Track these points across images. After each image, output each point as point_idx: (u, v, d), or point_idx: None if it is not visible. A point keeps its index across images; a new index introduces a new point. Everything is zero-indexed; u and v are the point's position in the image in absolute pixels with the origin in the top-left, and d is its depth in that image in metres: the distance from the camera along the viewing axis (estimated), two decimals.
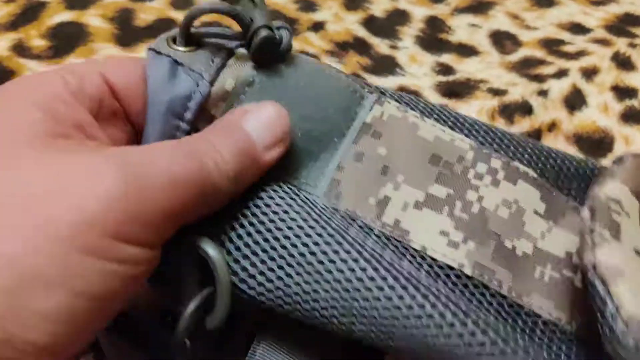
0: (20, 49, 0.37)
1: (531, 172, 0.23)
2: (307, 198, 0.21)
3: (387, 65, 0.39)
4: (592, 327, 0.19)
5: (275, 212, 0.20)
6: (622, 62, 0.40)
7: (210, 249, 0.20)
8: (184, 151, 0.18)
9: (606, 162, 0.35)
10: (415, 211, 0.22)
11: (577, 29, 0.42)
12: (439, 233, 0.21)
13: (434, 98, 0.37)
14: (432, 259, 0.21)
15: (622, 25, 0.43)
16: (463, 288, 0.21)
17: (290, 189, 0.21)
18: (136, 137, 0.22)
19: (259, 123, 0.20)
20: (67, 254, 0.15)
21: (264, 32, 0.21)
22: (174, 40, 0.22)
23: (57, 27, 0.38)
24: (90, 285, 0.16)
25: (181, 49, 0.21)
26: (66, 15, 0.39)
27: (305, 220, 0.20)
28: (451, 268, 0.21)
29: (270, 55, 0.22)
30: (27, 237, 0.15)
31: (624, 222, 0.20)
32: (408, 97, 0.24)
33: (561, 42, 0.41)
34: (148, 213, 0.17)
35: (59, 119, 0.18)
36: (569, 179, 0.24)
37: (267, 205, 0.21)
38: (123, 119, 0.21)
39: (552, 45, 0.41)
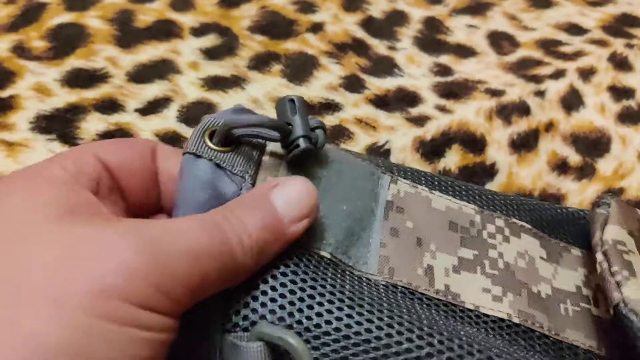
0: (21, 50, 0.37)
1: (527, 225, 0.26)
2: (362, 277, 0.22)
3: (385, 66, 0.39)
4: (620, 350, 0.22)
5: (342, 300, 0.20)
6: (619, 63, 0.40)
7: (291, 339, 0.19)
8: (208, 225, 0.18)
9: (603, 162, 0.36)
10: (455, 275, 0.23)
11: (574, 29, 0.43)
12: (482, 291, 0.23)
13: (432, 99, 0.37)
14: (485, 315, 0.23)
15: (619, 26, 0.43)
16: (515, 336, 0.23)
17: (347, 270, 0.22)
18: (129, 214, 0.22)
19: (286, 197, 0.20)
20: (89, 323, 0.15)
21: (303, 144, 0.22)
22: (210, 136, 0.22)
23: (57, 28, 0.39)
24: (114, 353, 0.16)
25: (219, 148, 0.22)
26: (66, 17, 0.39)
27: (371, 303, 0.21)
28: (502, 320, 0.23)
29: (306, 157, 0.22)
30: (48, 313, 0.15)
31: (633, 259, 0.23)
32: (410, 170, 0.26)
33: (558, 42, 0.42)
34: (168, 284, 0.17)
35: (68, 197, 0.18)
36: (553, 225, 0.27)
37: (333, 286, 0.21)
38: (120, 196, 0.22)
39: (549, 46, 0.41)
